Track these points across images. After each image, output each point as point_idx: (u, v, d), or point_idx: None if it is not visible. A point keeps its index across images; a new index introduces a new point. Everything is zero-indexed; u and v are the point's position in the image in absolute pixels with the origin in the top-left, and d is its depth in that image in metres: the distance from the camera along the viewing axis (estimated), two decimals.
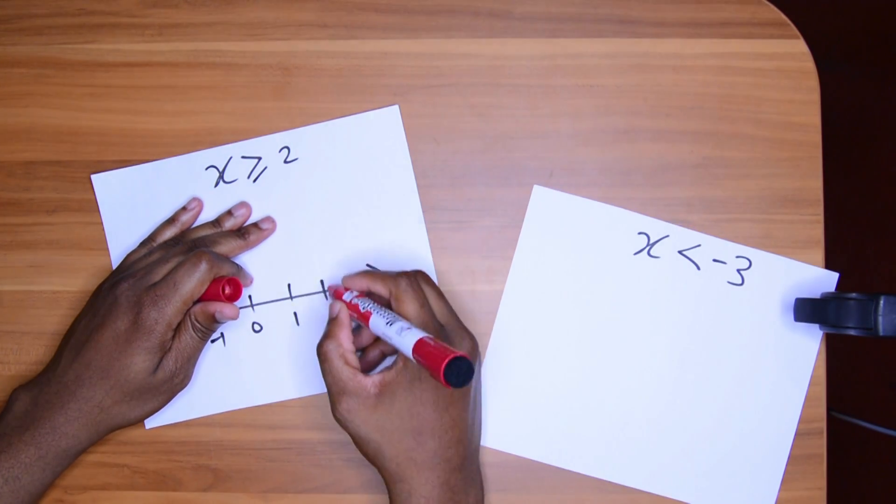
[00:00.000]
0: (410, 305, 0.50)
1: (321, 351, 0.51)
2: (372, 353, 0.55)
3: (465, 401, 0.50)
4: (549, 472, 0.57)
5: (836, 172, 1.20)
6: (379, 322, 0.49)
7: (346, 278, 0.55)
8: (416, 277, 0.52)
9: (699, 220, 0.58)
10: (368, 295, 0.54)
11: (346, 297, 0.54)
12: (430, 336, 0.46)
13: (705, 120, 0.58)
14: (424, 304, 0.51)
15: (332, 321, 0.52)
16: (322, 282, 0.58)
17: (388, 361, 0.56)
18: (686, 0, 0.58)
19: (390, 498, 0.51)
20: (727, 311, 0.57)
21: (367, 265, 0.58)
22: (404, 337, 0.47)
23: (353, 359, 0.51)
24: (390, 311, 0.50)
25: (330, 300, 0.55)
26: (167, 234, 0.57)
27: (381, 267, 0.58)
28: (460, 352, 0.43)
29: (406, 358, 0.48)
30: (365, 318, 0.51)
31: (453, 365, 0.43)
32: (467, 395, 0.50)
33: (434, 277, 0.58)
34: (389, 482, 0.51)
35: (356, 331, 0.54)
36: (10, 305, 0.58)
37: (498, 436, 0.57)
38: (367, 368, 0.55)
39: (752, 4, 0.58)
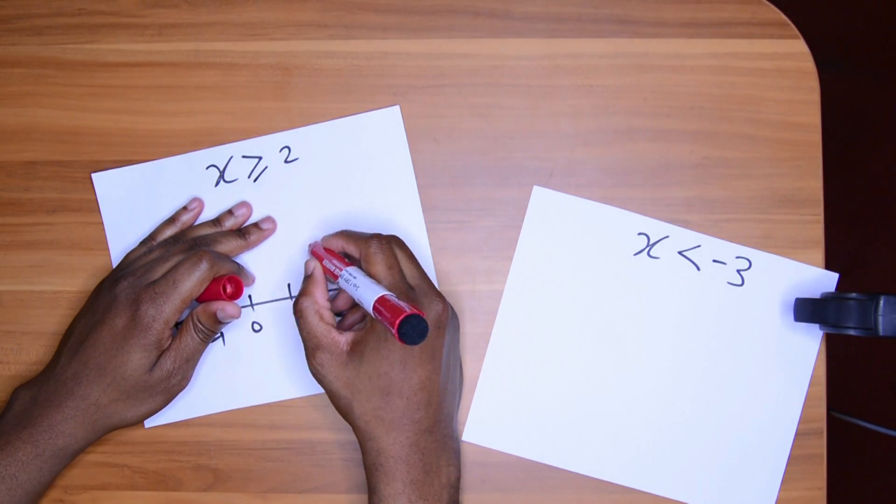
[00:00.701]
0: (379, 267, 0.51)
1: (297, 308, 0.52)
2: (352, 316, 0.56)
3: (435, 364, 0.50)
4: (549, 472, 0.57)
5: (836, 172, 1.21)
6: (345, 281, 0.50)
7: (324, 238, 0.56)
8: (389, 240, 0.52)
9: (699, 221, 0.58)
10: (344, 255, 0.54)
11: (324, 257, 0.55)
12: (392, 294, 0.47)
13: (705, 120, 0.58)
14: (394, 265, 0.51)
15: (308, 278, 0.53)
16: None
17: None
18: (686, 0, 0.58)
19: (363, 455, 0.51)
20: (727, 311, 0.57)
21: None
22: (366, 294, 0.47)
23: (329, 315, 0.52)
24: (359, 271, 0.51)
25: (307, 258, 0.56)
26: (167, 234, 0.57)
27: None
28: (416, 310, 0.44)
29: (374, 318, 0.48)
30: (333, 276, 0.52)
31: (408, 321, 0.43)
32: (436, 357, 0.50)
33: (434, 277, 0.58)
34: (360, 439, 0.51)
35: (339, 294, 0.55)
36: (10, 305, 0.58)
37: (498, 436, 0.57)
38: (347, 330, 0.55)
39: (752, 4, 0.58)
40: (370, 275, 0.51)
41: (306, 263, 0.54)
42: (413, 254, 0.54)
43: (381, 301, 0.46)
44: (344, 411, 0.51)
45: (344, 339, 0.51)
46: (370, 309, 0.47)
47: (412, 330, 0.43)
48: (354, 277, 0.50)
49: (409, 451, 0.50)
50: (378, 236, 0.52)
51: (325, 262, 0.54)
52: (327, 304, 0.53)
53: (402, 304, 0.45)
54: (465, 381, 0.57)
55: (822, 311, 0.53)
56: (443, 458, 0.51)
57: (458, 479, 0.53)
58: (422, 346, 0.49)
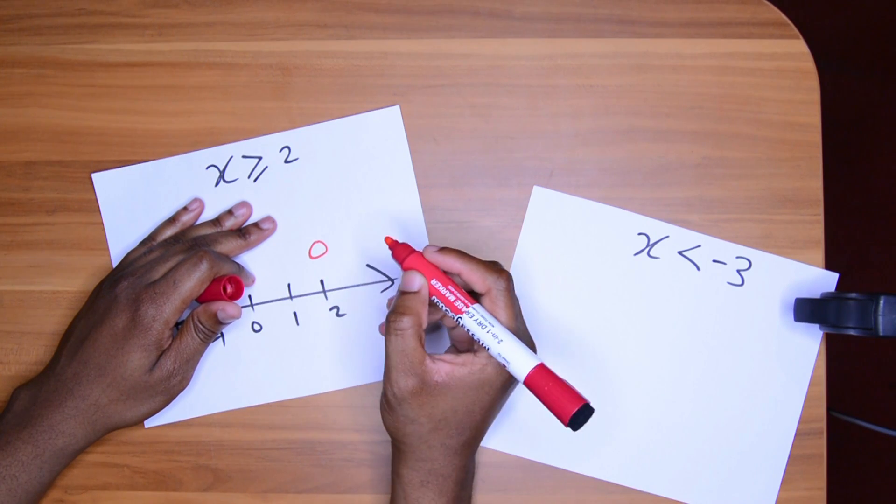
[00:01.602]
0: (509, 314, 0.49)
1: (396, 326, 0.47)
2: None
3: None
4: (549, 472, 0.57)
5: (836, 172, 1.21)
6: (473, 324, 0.48)
7: (433, 253, 0.50)
8: (511, 279, 0.50)
9: (699, 221, 0.58)
10: (452, 277, 0.50)
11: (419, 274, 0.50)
12: (546, 367, 0.46)
13: (705, 120, 0.58)
14: (519, 314, 0.50)
15: (413, 295, 0.49)
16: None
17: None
18: (686, 0, 0.58)
19: (398, 463, 0.51)
20: (727, 311, 0.57)
21: (367, 264, 0.58)
22: (515, 356, 0.47)
23: (424, 339, 0.49)
24: (484, 310, 0.48)
25: (403, 270, 0.50)
26: (167, 234, 0.57)
27: (380, 266, 0.58)
28: (586, 399, 0.44)
29: (488, 360, 0.48)
30: (454, 308, 0.48)
31: (582, 413, 0.44)
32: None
33: None
34: (409, 455, 0.50)
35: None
36: (10, 305, 0.58)
37: (498, 436, 0.57)
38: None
39: (752, 4, 0.58)
40: (494, 315, 0.48)
41: (411, 276, 0.49)
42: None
43: (541, 372, 0.45)
44: (404, 433, 0.49)
45: (437, 370, 0.48)
46: (518, 374, 0.46)
47: (583, 420, 0.43)
48: (490, 324, 0.47)
49: (460, 471, 0.51)
50: (507, 275, 0.49)
51: (436, 284, 0.49)
52: (426, 327, 0.49)
53: (567, 385, 0.45)
54: None
55: (822, 311, 0.53)
56: (471, 469, 0.53)
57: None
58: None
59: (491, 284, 0.49)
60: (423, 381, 0.47)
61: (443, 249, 0.50)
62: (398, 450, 0.51)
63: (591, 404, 0.45)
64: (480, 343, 0.48)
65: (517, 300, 0.50)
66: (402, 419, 0.49)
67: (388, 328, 0.48)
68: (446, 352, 0.52)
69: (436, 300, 0.49)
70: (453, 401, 0.48)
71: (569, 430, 0.45)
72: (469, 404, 0.48)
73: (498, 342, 0.47)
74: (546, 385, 0.45)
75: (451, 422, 0.49)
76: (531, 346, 0.50)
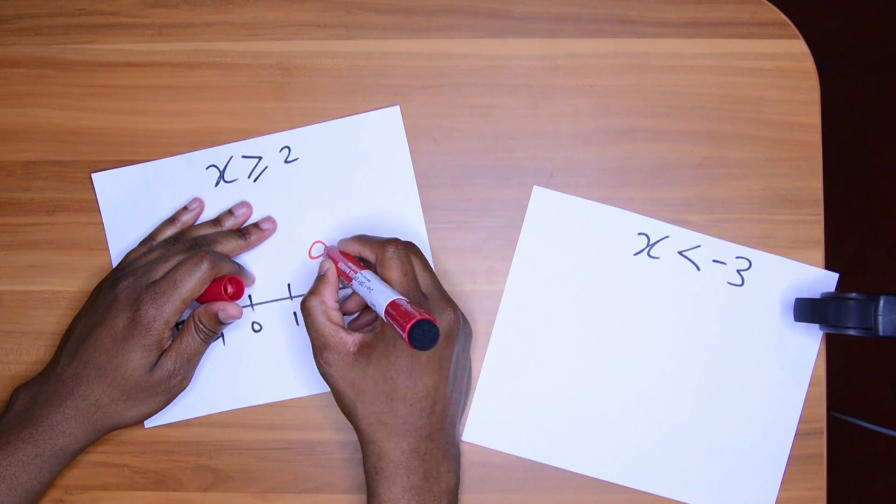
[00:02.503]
0: (395, 272, 0.51)
1: (305, 306, 0.52)
2: (364, 317, 0.56)
3: (442, 373, 0.50)
4: (549, 472, 0.57)
5: (836, 172, 1.21)
6: (359, 284, 0.51)
7: (341, 241, 0.56)
8: (405, 246, 0.52)
9: (699, 221, 0.58)
10: (360, 259, 0.55)
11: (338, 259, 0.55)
12: (405, 300, 0.47)
13: (705, 120, 0.58)
14: (409, 272, 0.51)
15: (320, 278, 0.54)
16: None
17: None
18: (686, 0, 0.58)
19: (363, 458, 0.51)
20: (727, 311, 0.57)
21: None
22: (379, 297, 0.48)
23: (336, 315, 0.52)
24: (374, 275, 0.51)
25: (322, 258, 0.56)
26: (167, 234, 0.57)
27: None
28: (428, 316, 0.44)
29: (385, 322, 0.48)
30: (347, 278, 0.52)
31: (419, 326, 0.43)
32: (444, 366, 0.50)
33: None
34: (362, 441, 0.51)
35: (351, 296, 0.56)
36: (10, 305, 0.58)
37: (498, 436, 0.57)
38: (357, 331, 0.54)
39: (752, 4, 0.58)
40: (385, 279, 0.51)
41: (321, 264, 0.55)
42: (428, 262, 0.54)
43: (394, 305, 0.46)
44: (347, 412, 0.51)
45: (351, 340, 0.51)
46: (382, 312, 0.47)
47: (422, 335, 0.43)
48: (368, 280, 0.50)
49: (410, 456, 0.50)
50: (395, 241, 0.52)
51: (340, 265, 0.54)
52: (336, 305, 0.53)
53: (414, 309, 0.45)
54: None
55: (822, 311, 0.53)
56: (443, 464, 0.51)
57: (458, 485, 0.53)
58: (430, 354, 0.49)
59: (378, 252, 0.52)
60: (338, 351, 0.51)
61: (350, 237, 0.56)
62: (359, 441, 0.52)
63: (435, 324, 0.44)
64: (368, 302, 0.50)
65: (418, 266, 0.52)
66: (339, 395, 0.51)
67: (302, 311, 0.53)
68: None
69: (341, 280, 0.54)
70: (373, 370, 0.50)
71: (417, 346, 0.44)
72: (384, 370, 0.49)
73: (369, 291, 0.49)
74: (395, 311, 0.46)
75: (375, 392, 0.50)
76: (445, 309, 0.50)
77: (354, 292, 0.55)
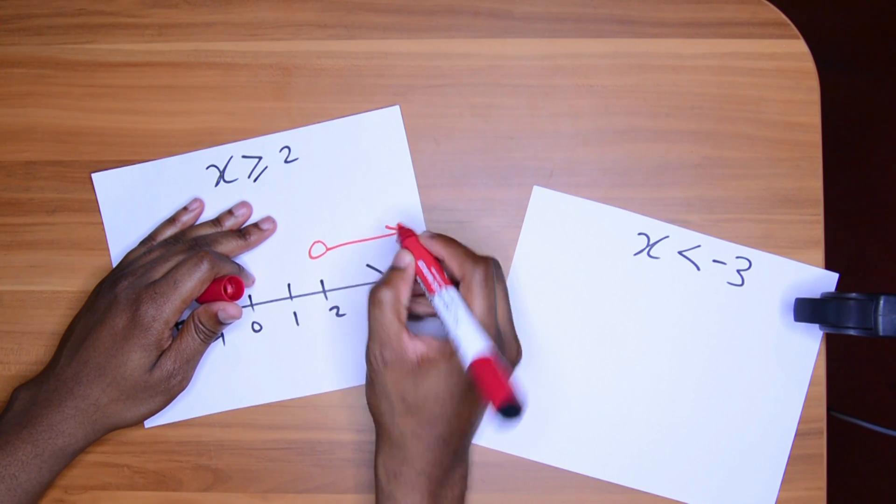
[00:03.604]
0: (480, 303, 0.48)
1: (376, 296, 0.49)
2: (420, 307, 0.54)
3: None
4: (549, 472, 0.57)
5: (836, 172, 1.21)
6: (443, 305, 0.48)
7: (424, 237, 0.52)
8: (493, 271, 0.50)
9: (699, 221, 0.58)
10: (438, 261, 0.51)
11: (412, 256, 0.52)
12: (494, 351, 0.46)
13: (705, 120, 0.58)
14: (493, 306, 0.49)
15: (397, 270, 0.50)
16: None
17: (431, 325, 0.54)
18: (686, 0, 0.58)
19: (377, 451, 0.51)
20: (727, 311, 0.57)
21: (367, 264, 0.58)
22: (467, 336, 0.46)
23: (404, 315, 0.49)
24: (459, 297, 0.49)
25: (398, 247, 0.52)
26: (167, 234, 0.57)
27: (381, 266, 0.58)
28: (519, 395, 0.43)
29: (448, 339, 0.47)
30: (429, 288, 0.50)
31: (512, 406, 0.43)
32: None
33: None
34: (385, 442, 0.50)
35: (419, 299, 0.53)
36: (10, 305, 0.58)
37: (498, 436, 0.57)
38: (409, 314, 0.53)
39: (752, 4, 0.58)
40: (467, 302, 0.48)
41: (399, 254, 0.51)
42: (507, 289, 0.52)
43: (484, 364, 0.45)
44: (379, 412, 0.50)
45: (413, 349, 0.48)
46: (465, 353, 0.46)
47: (512, 412, 0.43)
48: (456, 308, 0.48)
49: (434, 466, 0.49)
50: (487, 264, 0.49)
51: (421, 265, 0.50)
52: (407, 304, 0.50)
53: (505, 375, 0.44)
54: None
55: (822, 311, 0.53)
56: (458, 471, 0.51)
57: (466, 489, 0.53)
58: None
59: (467, 272, 0.49)
60: (398, 355, 0.48)
61: (435, 235, 0.52)
62: (378, 434, 0.51)
63: (522, 403, 0.43)
64: (446, 327, 0.48)
65: (500, 295, 0.50)
66: (378, 392, 0.49)
67: (369, 298, 0.50)
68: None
69: (419, 281, 0.51)
70: (425, 385, 0.48)
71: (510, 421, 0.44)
72: (439, 391, 0.48)
73: (456, 325, 0.47)
74: (484, 372, 0.45)
75: (422, 409, 0.48)
76: (512, 345, 0.50)
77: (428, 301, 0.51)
